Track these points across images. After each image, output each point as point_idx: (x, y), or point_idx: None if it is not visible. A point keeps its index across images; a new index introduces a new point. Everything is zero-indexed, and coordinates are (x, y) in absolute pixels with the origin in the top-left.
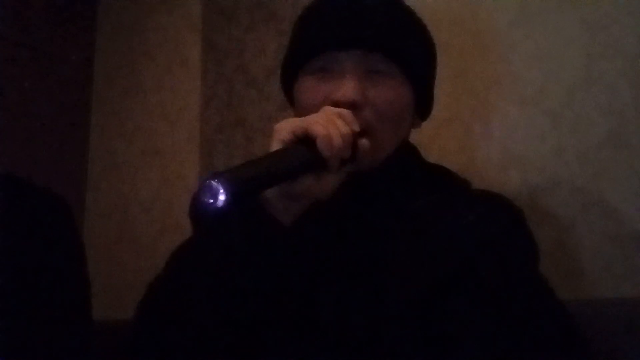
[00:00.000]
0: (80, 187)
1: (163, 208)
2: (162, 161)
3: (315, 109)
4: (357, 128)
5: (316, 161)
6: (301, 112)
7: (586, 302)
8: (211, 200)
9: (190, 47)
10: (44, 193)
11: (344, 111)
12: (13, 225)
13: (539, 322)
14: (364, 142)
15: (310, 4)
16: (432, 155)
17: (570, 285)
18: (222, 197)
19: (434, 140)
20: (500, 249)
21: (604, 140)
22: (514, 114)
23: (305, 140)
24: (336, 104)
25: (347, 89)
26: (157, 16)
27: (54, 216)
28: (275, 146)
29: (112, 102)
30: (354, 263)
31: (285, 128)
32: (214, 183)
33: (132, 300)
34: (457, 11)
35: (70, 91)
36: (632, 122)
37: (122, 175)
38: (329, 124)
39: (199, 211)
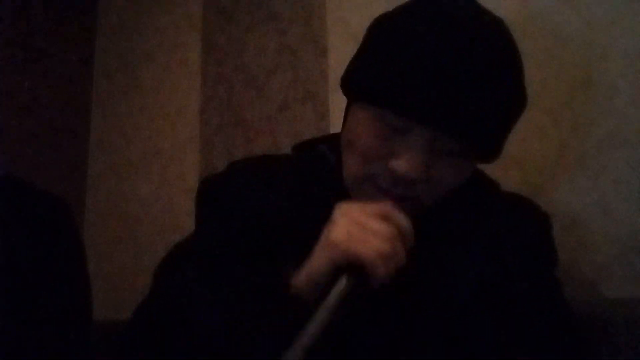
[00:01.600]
0: (80, 187)
1: (163, 208)
2: (162, 161)
3: (366, 157)
4: (412, 244)
5: (363, 291)
6: (350, 140)
7: (586, 303)
8: None
9: (190, 47)
10: (44, 194)
11: (406, 224)
12: (13, 226)
13: (544, 324)
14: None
15: (415, 31)
16: None
17: (570, 285)
18: None
19: None
20: (524, 259)
21: (604, 140)
22: None
23: (357, 267)
24: (393, 171)
25: (412, 165)
26: (156, 16)
27: (54, 217)
28: (325, 263)
29: (112, 102)
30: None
31: (343, 251)
32: None
33: (132, 300)
34: None
35: (70, 91)
36: (632, 122)
37: (122, 175)
38: (390, 260)
39: None
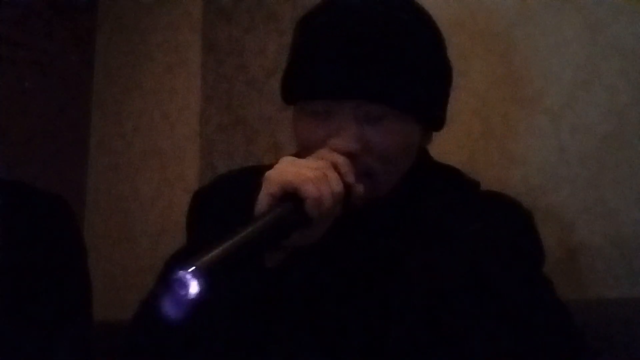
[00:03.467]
0: (80, 187)
1: (163, 208)
2: (162, 161)
3: (312, 150)
4: (351, 179)
5: (303, 221)
6: (297, 140)
7: (586, 302)
8: (183, 293)
9: (190, 47)
10: (44, 193)
11: (340, 159)
12: (14, 225)
13: (539, 324)
14: (358, 189)
15: (313, 22)
16: (432, 154)
17: (570, 285)
18: (193, 289)
19: (434, 140)
20: (508, 254)
21: (604, 140)
22: (514, 114)
23: (293, 196)
24: (333, 150)
25: (346, 138)
26: (157, 16)
27: (55, 217)
28: (264, 199)
29: (112, 102)
30: (357, 277)
31: (276, 181)
32: (183, 275)
33: (132, 300)
34: (457, 11)
35: (70, 91)
36: (632, 122)
37: (122, 175)
38: (321, 183)
39: (173, 304)
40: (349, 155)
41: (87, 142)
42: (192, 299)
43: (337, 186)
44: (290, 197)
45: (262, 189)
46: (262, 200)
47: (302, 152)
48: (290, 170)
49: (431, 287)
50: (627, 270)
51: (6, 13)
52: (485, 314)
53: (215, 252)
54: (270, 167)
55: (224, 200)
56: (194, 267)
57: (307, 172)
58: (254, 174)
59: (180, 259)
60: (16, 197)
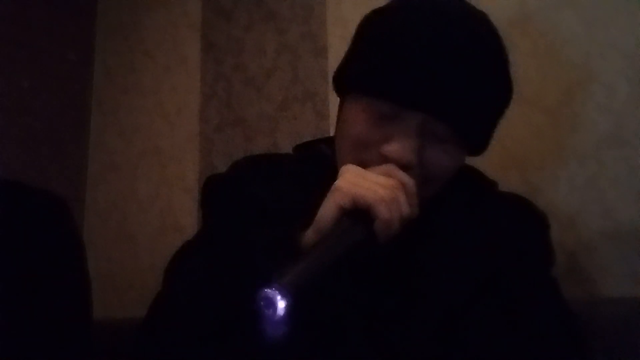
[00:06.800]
0: (79, 187)
1: (162, 208)
2: (161, 161)
3: (359, 145)
4: (417, 211)
5: (367, 240)
6: (343, 132)
7: (585, 302)
8: (271, 311)
9: (190, 46)
10: (43, 194)
11: (409, 181)
12: (13, 226)
13: (544, 325)
14: (416, 212)
15: (397, 24)
16: None
17: (569, 284)
18: (281, 305)
19: None
20: (521, 257)
21: (602, 139)
22: (513, 113)
23: (363, 213)
24: (385, 157)
25: (403, 148)
26: (156, 15)
27: (54, 217)
28: (332, 209)
29: (111, 102)
30: (380, 282)
31: (349, 194)
32: (270, 292)
33: (131, 300)
34: None
35: (69, 91)
36: (631, 121)
37: (121, 174)
38: (393, 205)
39: (262, 324)
40: (401, 167)
41: (86, 141)
42: (281, 317)
43: (405, 210)
44: (360, 213)
45: (331, 197)
46: (330, 210)
47: (343, 144)
48: (363, 185)
49: (445, 290)
50: (626, 270)
51: (6, 13)
52: (495, 318)
53: (298, 270)
54: (287, 156)
55: (241, 188)
56: (281, 285)
57: (380, 191)
58: (271, 164)
59: (190, 252)
60: (13, 197)
